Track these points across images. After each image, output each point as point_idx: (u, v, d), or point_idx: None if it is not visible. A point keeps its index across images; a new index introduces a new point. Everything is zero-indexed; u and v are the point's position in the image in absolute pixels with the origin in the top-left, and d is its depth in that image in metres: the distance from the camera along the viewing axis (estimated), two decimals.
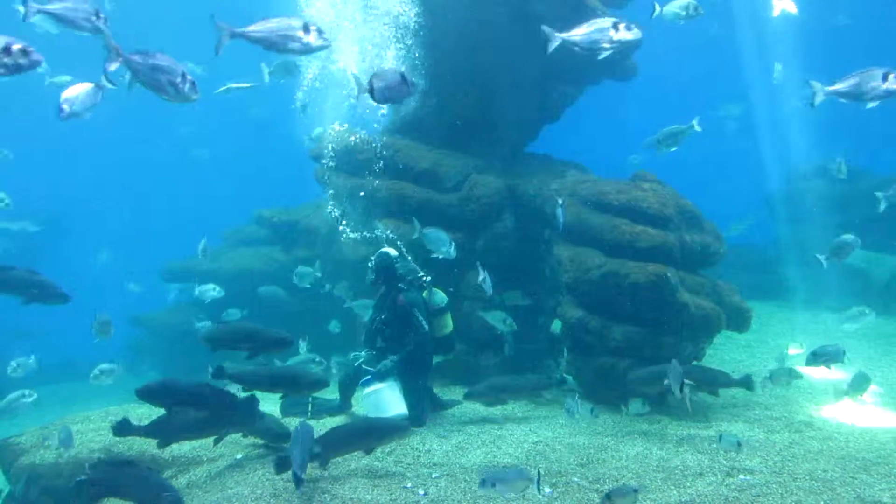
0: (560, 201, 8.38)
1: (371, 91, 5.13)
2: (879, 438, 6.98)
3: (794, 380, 8.54)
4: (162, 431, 6.31)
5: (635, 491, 4.74)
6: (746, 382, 8.19)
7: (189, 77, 4.93)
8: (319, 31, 4.90)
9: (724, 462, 6.20)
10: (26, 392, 9.50)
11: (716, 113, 27.31)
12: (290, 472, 5.49)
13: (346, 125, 11.35)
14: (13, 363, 10.53)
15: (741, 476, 5.81)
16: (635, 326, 8.38)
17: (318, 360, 8.96)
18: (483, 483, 4.97)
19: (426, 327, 8.11)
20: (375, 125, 11.55)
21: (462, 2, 10.17)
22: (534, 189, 10.11)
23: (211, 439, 7.05)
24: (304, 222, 14.72)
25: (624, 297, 8.36)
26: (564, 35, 5.71)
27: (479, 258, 9.86)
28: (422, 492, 5.64)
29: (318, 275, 11.29)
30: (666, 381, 6.74)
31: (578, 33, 5.64)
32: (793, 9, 13.38)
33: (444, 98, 10.45)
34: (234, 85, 11.52)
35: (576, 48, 5.78)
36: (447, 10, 10.25)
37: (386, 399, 7.63)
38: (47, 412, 12.07)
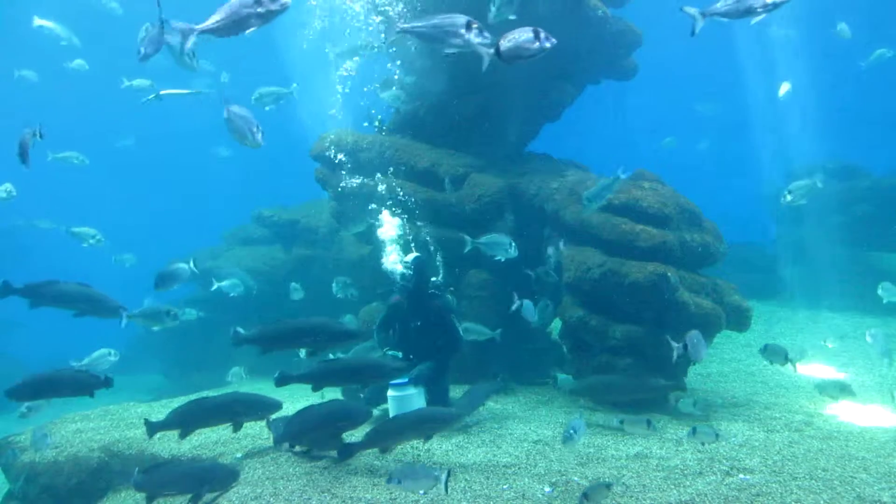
0: (561, 243, 8.51)
1: (498, 51, 4.81)
2: (879, 438, 6.98)
3: (847, 395, 8.32)
4: (181, 422, 6.40)
5: (608, 486, 4.99)
6: (678, 385, 8.15)
7: (260, 127, 5.64)
8: (480, 30, 4.88)
9: (724, 461, 6.20)
10: (112, 351, 9.54)
11: (705, 112, 27.24)
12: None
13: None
14: None
15: (741, 475, 5.81)
16: (635, 325, 8.39)
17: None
18: (389, 479, 5.02)
19: (461, 332, 8.20)
20: (376, 124, 11.57)
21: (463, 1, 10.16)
22: (534, 188, 10.11)
23: (212, 439, 7.07)
24: (303, 221, 14.75)
25: (624, 296, 8.36)
26: (712, 10, 5.46)
27: (480, 258, 9.87)
28: (421, 491, 5.64)
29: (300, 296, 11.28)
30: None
31: (729, 2, 5.41)
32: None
33: (444, 97, 10.43)
34: (165, 91, 10.53)
35: (724, 19, 5.60)
36: (448, 9, 10.23)
37: (414, 405, 7.52)
38: (47, 411, 12.07)
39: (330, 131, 11.21)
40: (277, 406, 6.64)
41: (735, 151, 34.48)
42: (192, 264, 8.30)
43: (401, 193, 10.19)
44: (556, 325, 9.75)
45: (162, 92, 10.23)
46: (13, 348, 18.28)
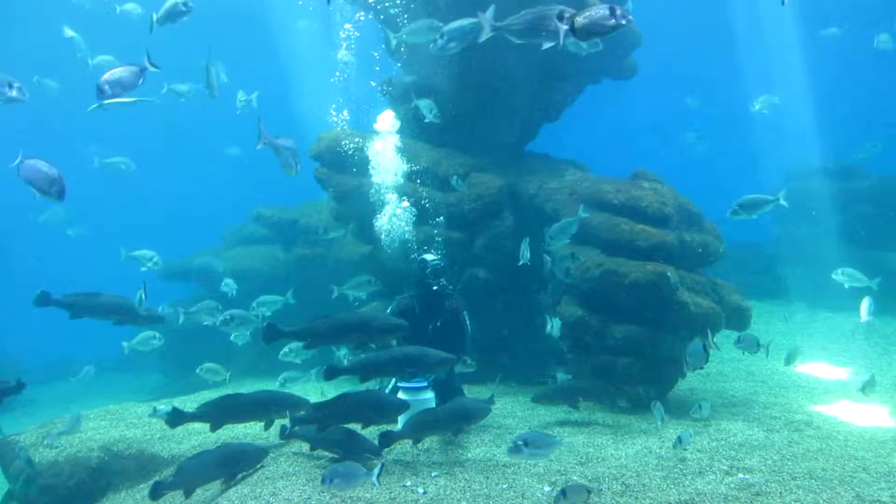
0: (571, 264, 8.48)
1: (572, 28, 4.75)
2: (879, 437, 6.99)
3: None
4: (212, 415, 6.50)
5: (588, 491, 5.00)
6: (646, 394, 8.13)
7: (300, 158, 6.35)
8: (571, 18, 4.83)
9: (724, 461, 6.21)
10: (157, 335, 9.57)
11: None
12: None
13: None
14: None
15: (740, 475, 5.81)
16: (635, 325, 8.38)
17: None
18: (323, 481, 5.07)
19: (469, 331, 8.23)
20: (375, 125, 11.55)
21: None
22: (534, 188, 10.11)
23: (212, 439, 7.06)
24: (303, 221, 14.74)
25: (624, 296, 8.36)
26: None
27: (480, 257, 9.88)
28: (421, 490, 5.64)
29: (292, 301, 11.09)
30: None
31: None
32: None
33: (444, 96, 10.43)
34: (110, 101, 10.21)
35: None
36: (450, 11, 10.23)
37: (422, 408, 7.38)
38: (45, 411, 12.09)
39: (329, 131, 11.20)
40: (306, 404, 6.70)
41: (735, 151, 34.48)
42: (142, 293, 8.40)
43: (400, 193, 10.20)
44: (558, 323, 9.74)
45: (106, 101, 9.91)
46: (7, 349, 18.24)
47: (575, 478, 5.83)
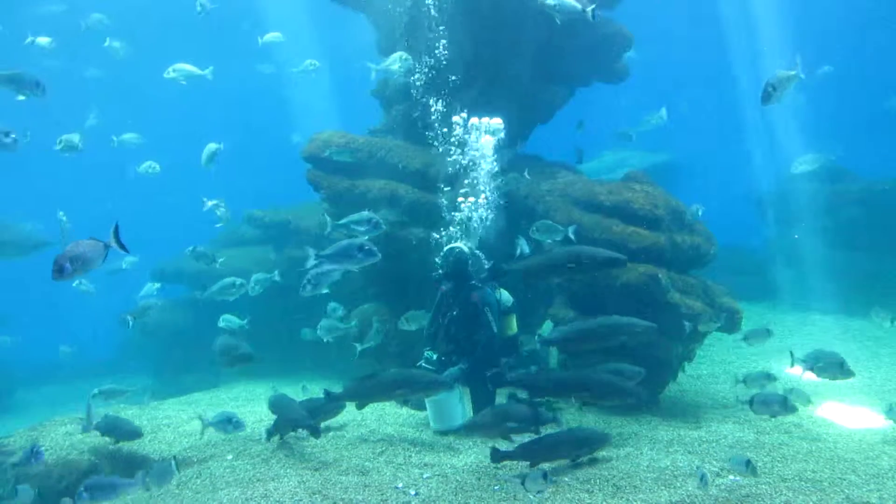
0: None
1: None
2: (868, 439, 7.03)
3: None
4: (357, 394, 7.03)
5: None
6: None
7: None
8: None
9: (715, 462, 6.24)
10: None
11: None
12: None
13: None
14: None
15: (731, 477, 5.84)
16: None
17: None
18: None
19: (495, 328, 7.79)
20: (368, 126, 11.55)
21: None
22: (525, 190, 10.12)
23: (203, 441, 7.05)
24: (295, 222, 14.73)
25: (615, 298, 8.38)
26: None
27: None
28: (413, 492, 5.64)
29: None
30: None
31: None
32: None
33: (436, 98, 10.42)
34: None
35: None
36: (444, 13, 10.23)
37: (454, 408, 7.44)
38: (35, 414, 12.02)
39: (322, 132, 11.19)
40: (445, 384, 6.90)
41: (725, 154, 34.63)
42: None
43: (392, 194, 10.18)
44: (548, 326, 9.76)
45: None
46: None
47: (566, 479, 5.85)
